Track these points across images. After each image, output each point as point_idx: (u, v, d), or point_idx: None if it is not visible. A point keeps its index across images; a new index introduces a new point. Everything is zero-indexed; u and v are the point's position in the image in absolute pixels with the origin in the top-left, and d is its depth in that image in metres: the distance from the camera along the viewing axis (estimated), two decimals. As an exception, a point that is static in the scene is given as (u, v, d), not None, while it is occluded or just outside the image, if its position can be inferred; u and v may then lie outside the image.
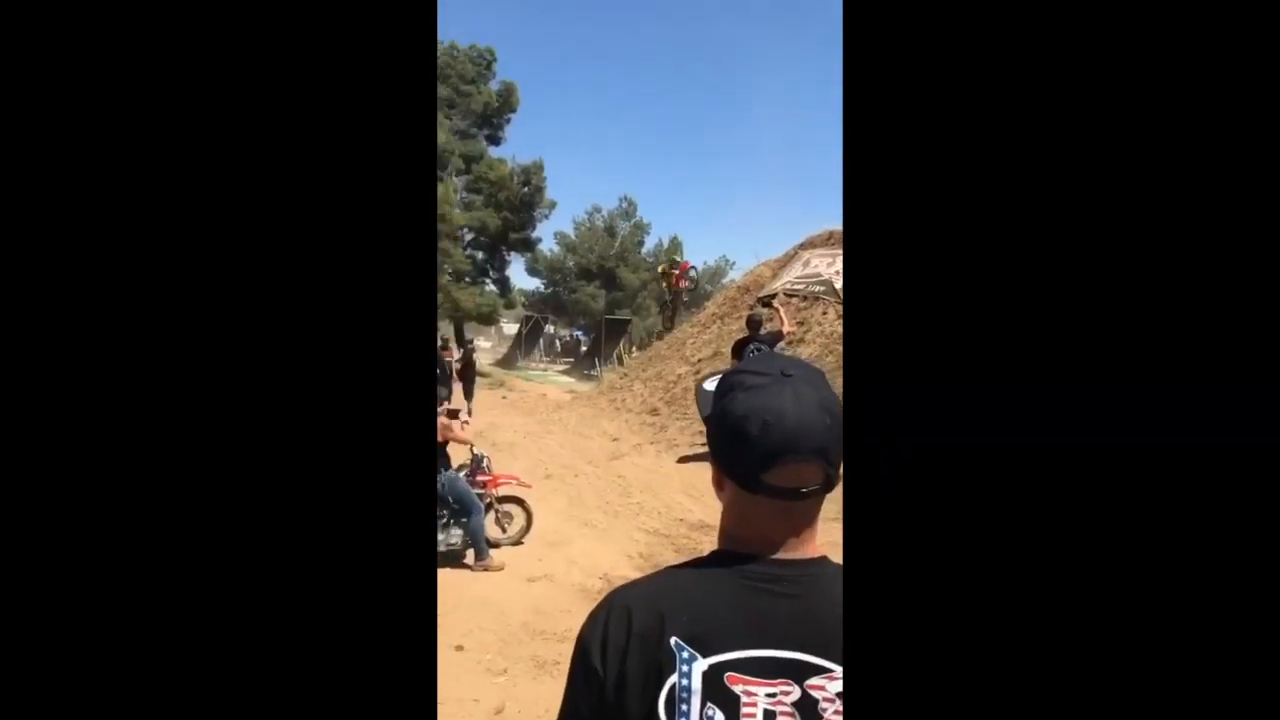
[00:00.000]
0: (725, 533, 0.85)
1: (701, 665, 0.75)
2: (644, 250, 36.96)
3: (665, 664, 0.75)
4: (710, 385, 0.87)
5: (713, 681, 0.75)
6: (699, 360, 11.28)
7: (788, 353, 8.48)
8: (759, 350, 6.99)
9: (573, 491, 7.48)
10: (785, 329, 7.55)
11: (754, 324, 7.24)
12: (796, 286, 10.68)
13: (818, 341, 9.23)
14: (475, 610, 4.51)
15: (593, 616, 0.82)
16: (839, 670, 0.75)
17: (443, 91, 24.42)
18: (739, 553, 0.81)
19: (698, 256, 68.83)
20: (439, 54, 24.55)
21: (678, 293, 14.85)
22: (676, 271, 15.01)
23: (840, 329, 9.02)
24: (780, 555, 0.80)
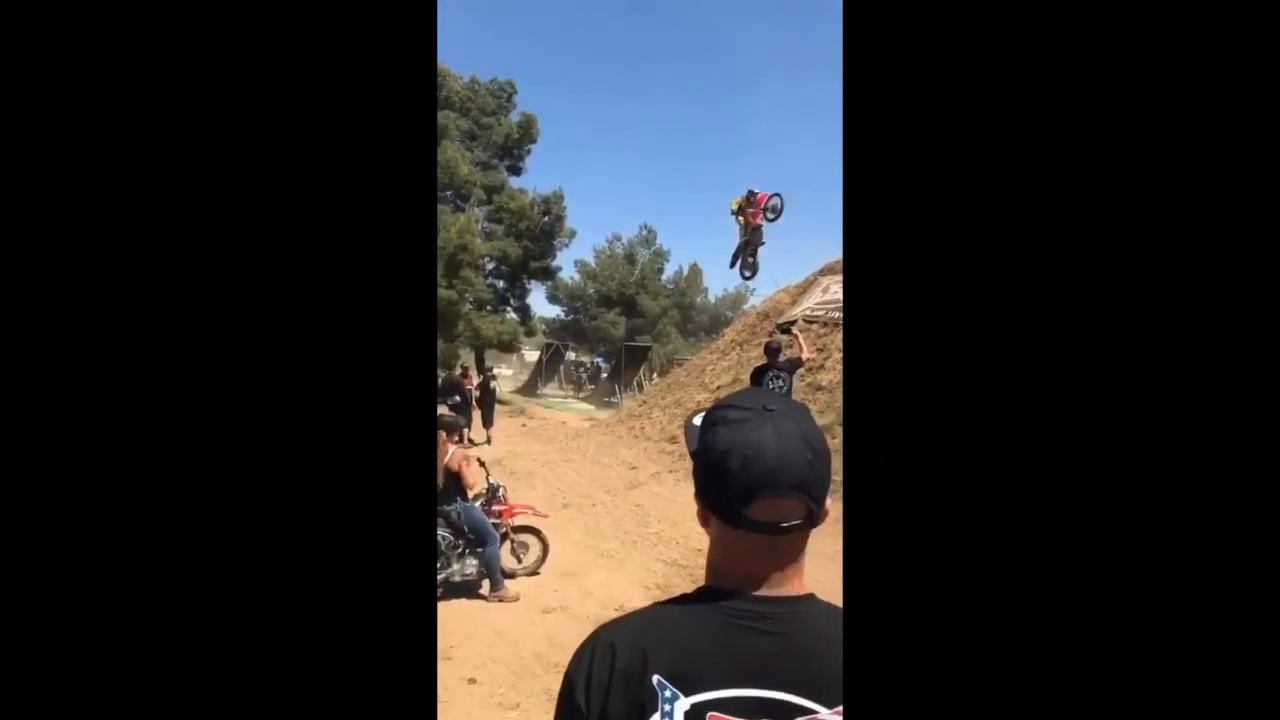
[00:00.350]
0: (711, 568, 0.85)
1: (684, 704, 0.74)
2: (664, 277, 37.17)
3: (647, 702, 0.74)
4: (699, 421, 0.87)
5: None
6: (718, 387, 11.23)
7: (807, 379, 8.39)
8: (778, 377, 6.92)
9: (590, 521, 7.42)
10: (805, 356, 7.47)
11: (772, 351, 7.17)
12: (817, 313, 10.62)
13: (838, 368, 9.13)
14: (489, 642, 4.46)
15: (578, 653, 0.81)
16: (824, 711, 0.74)
17: (464, 124, 24.78)
18: (723, 589, 0.81)
19: (718, 283, 68.74)
20: (460, 88, 25.09)
21: (756, 230, 11.68)
22: (752, 209, 11.71)
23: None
24: (764, 592, 0.80)
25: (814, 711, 0.74)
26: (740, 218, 11.73)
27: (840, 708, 0.73)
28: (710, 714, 0.73)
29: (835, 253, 13.37)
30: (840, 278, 11.08)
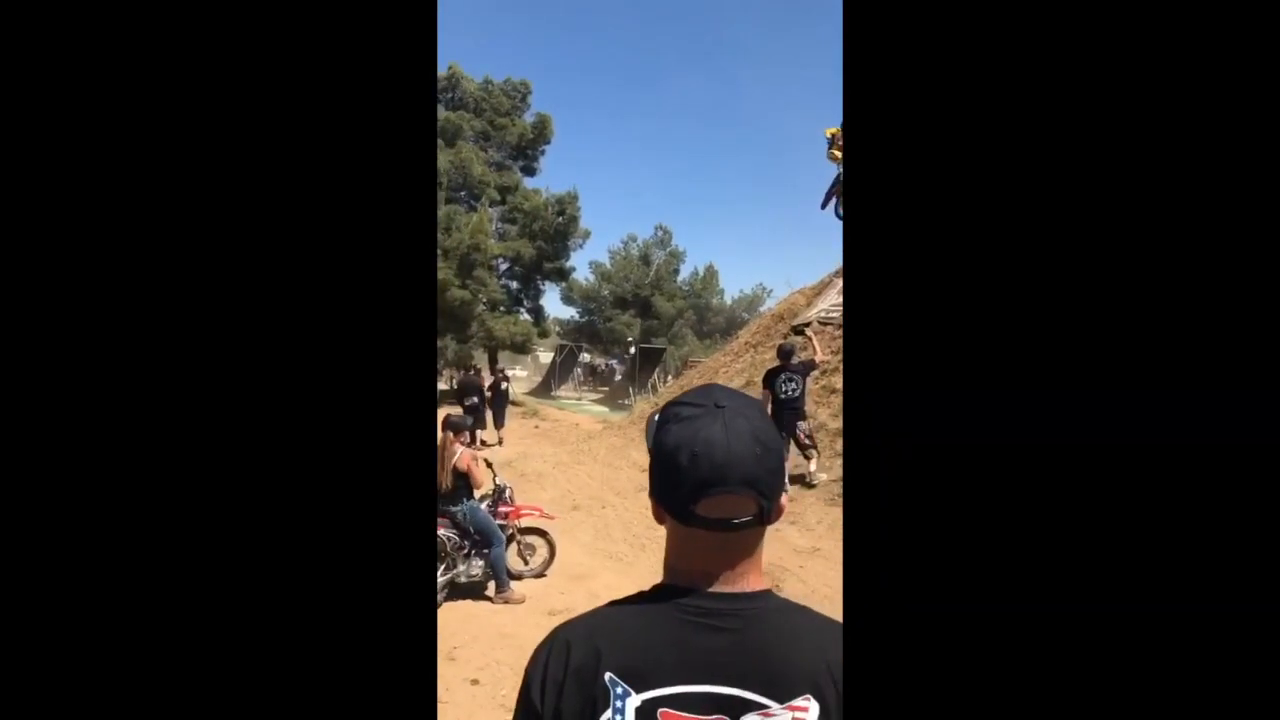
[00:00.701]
0: (667, 566, 0.85)
1: (635, 701, 0.74)
2: (679, 279, 37.03)
3: (600, 700, 0.75)
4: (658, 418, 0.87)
5: (646, 718, 0.74)
6: (731, 390, 11.12)
7: (821, 381, 8.27)
8: (791, 379, 6.83)
9: (599, 523, 7.36)
10: (818, 358, 7.39)
11: (785, 353, 7.08)
12: (832, 315, 10.45)
13: (853, 371, 9.00)
14: (493, 644, 4.40)
15: (536, 652, 0.82)
16: (776, 706, 0.74)
17: (478, 125, 24.82)
18: (678, 586, 0.81)
19: (734, 285, 68.26)
20: (474, 89, 25.11)
21: None
22: None
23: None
24: (718, 588, 0.79)
25: (766, 707, 0.73)
26: (835, 150, 9.86)
27: (793, 702, 0.72)
28: (661, 710, 0.74)
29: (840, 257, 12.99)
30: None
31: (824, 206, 10.25)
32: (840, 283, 11.22)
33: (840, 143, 9.77)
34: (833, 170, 10.04)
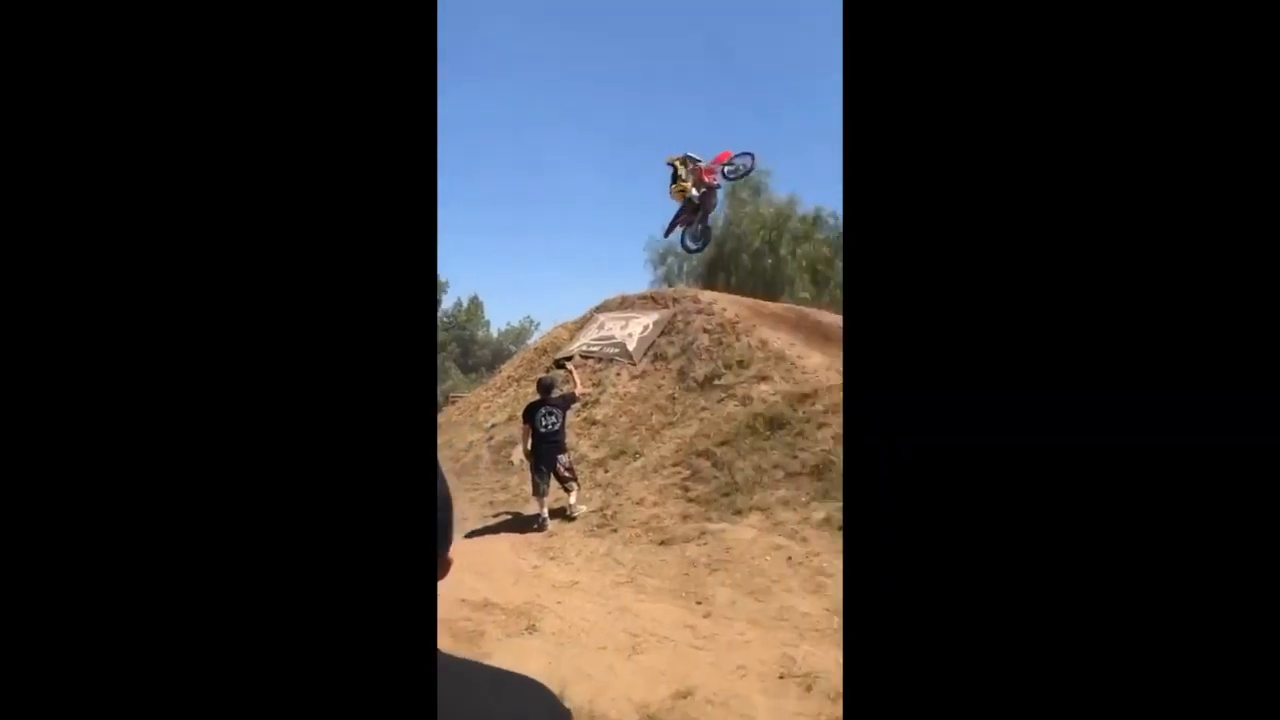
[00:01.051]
0: None
1: None
2: (441, 310, 35.80)
3: None
4: None
5: None
6: (492, 426, 10.80)
7: (582, 414, 8.36)
8: (551, 413, 6.79)
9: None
10: (579, 391, 7.47)
11: (545, 387, 7.05)
12: (592, 349, 10.72)
13: (612, 402, 9.22)
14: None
15: None
16: None
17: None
18: None
19: (501, 317, 67.49)
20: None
21: (710, 192, 8.84)
22: (702, 163, 8.86)
23: (633, 390, 9.10)
24: None
25: None
26: (684, 184, 9.00)
27: None
28: None
29: (623, 285, 13.36)
30: (613, 315, 11.34)
31: (667, 234, 9.83)
32: (600, 318, 11.57)
33: (682, 173, 9.06)
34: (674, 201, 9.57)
